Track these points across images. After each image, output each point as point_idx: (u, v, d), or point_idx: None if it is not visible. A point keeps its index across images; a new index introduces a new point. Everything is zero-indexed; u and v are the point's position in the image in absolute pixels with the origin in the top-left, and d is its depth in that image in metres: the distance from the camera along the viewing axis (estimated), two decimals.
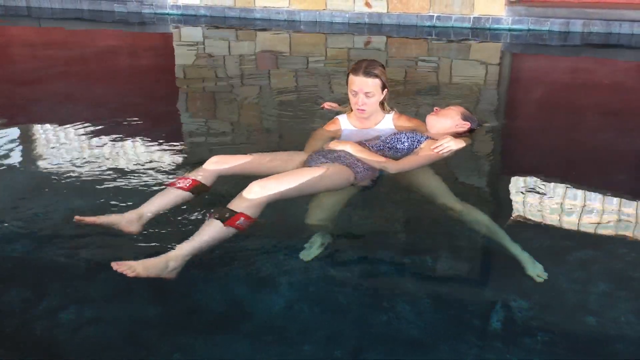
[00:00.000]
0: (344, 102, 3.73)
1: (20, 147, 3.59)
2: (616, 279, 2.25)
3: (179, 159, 3.36)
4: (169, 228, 2.51)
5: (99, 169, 3.16)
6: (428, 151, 2.86)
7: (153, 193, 2.63)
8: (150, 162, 3.28)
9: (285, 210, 2.64)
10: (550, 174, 3.20)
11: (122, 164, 3.25)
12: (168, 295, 2.17)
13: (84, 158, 3.34)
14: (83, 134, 3.75)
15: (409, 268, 2.37)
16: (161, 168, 3.19)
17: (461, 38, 7.80)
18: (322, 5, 8.92)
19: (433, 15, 8.47)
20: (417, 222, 2.77)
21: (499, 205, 2.90)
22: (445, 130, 3.09)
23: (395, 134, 2.97)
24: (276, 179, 2.44)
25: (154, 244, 2.39)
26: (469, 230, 2.56)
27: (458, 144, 2.90)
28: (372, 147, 2.88)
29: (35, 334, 1.95)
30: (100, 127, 3.88)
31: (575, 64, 6.70)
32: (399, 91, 4.80)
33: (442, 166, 2.93)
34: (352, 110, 3.09)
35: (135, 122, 4.08)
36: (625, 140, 3.77)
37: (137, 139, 3.66)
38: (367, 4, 8.75)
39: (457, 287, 2.26)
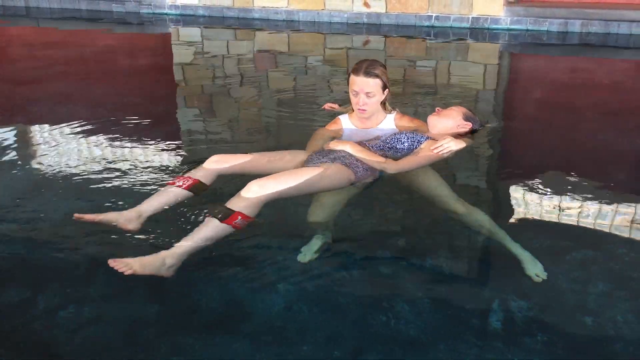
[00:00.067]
0: (345, 103, 3.73)
1: (19, 147, 3.59)
2: (615, 279, 2.26)
3: (178, 158, 3.36)
4: (168, 226, 2.51)
5: (98, 169, 3.16)
6: (428, 152, 2.86)
7: (152, 192, 2.64)
8: (150, 162, 3.28)
9: (284, 210, 2.64)
10: (549, 174, 3.20)
11: (121, 163, 3.25)
12: (167, 295, 2.17)
13: (83, 158, 3.34)
14: (82, 134, 3.75)
15: (408, 268, 2.37)
16: (160, 168, 3.19)
17: (460, 38, 7.80)
18: (321, 5, 8.93)
19: (432, 15, 8.48)
20: (416, 222, 2.77)
21: (499, 205, 2.91)
22: (446, 130, 3.08)
23: (395, 134, 2.97)
24: (275, 179, 2.44)
25: (152, 242, 2.39)
26: (468, 230, 2.56)
27: (458, 145, 2.89)
28: (372, 147, 2.88)
29: (35, 333, 1.95)
30: (99, 127, 3.88)
31: (573, 64, 6.70)
32: (397, 91, 4.80)
33: (442, 166, 2.93)
34: (353, 111, 3.09)
35: (134, 122, 4.08)
36: (625, 140, 3.77)
37: (136, 138, 3.66)
38: (366, 4, 8.75)
39: (456, 287, 2.26)
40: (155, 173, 3.09)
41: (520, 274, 2.25)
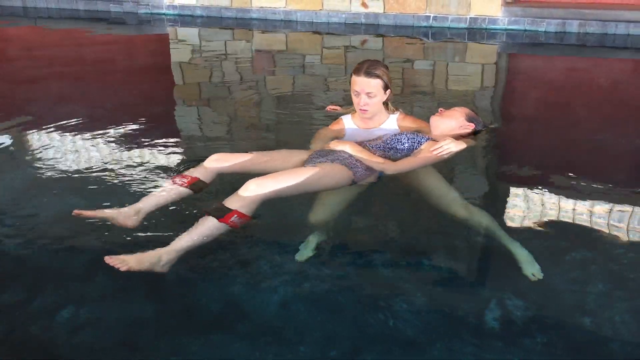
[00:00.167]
0: (347, 103, 3.74)
1: (17, 147, 3.59)
2: (613, 279, 2.26)
3: (177, 158, 3.36)
4: (166, 223, 2.52)
5: (98, 169, 3.16)
6: (427, 153, 2.85)
7: (151, 191, 2.65)
8: (149, 161, 3.28)
9: (282, 210, 2.64)
10: (548, 174, 3.20)
11: (120, 163, 3.24)
12: (166, 296, 2.17)
13: (82, 158, 3.34)
14: (80, 134, 3.74)
15: (406, 268, 2.37)
16: (160, 167, 3.19)
17: (457, 38, 7.81)
18: (319, 5, 8.93)
19: (429, 16, 8.49)
20: (415, 222, 2.77)
21: (498, 206, 2.90)
22: (449, 131, 3.06)
23: (395, 134, 2.97)
24: (273, 178, 2.44)
25: (150, 239, 2.40)
26: (467, 230, 2.56)
27: (458, 146, 2.88)
28: (373, 147, 2.88)
29: (33, 334, 1.95)
30: (97, 126, 3.88)
31: (571, 64, 6.72)
32: (394, 91, 4.79)
33: (442, 167, 2.93)
34: (356, 111, 3.10)
35: (133, 122, 4.07)
36: (624, 140, 3.78)
37: (135, 138, 3.66)
38: (364, 5, 8.76)
39: (454, 286, 2.26)
40: (155, 172, 3.09)
41: (519, 274, 2.26)
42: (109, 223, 2.43)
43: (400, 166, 2.81)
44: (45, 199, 2.83)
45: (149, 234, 2.44)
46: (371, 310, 2.06)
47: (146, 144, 3.56)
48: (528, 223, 2.67)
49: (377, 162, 2.77)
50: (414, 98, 4.71)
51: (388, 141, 2.92)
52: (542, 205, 2.84)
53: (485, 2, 8.26)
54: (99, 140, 3.63)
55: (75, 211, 2.42)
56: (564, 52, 7.39)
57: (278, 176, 2.47)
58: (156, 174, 3.08)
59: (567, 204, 2.83)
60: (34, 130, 3.82)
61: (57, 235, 2.52)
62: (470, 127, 3.13)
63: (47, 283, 2.20)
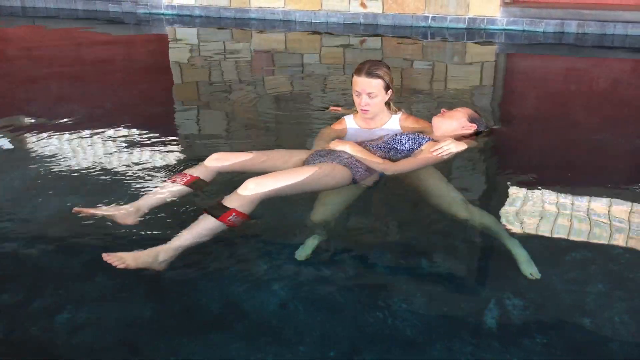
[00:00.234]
0: (349, 104, 3.74)
1: (17, 147, 3.58)
2: (612, 280, 2.26)
3: (177, 157, 3.36)
4: (165, 221, 2.52)
5: (97, 168, 3.16)
6: (427, 154, 2.85)
7: (152, 190, 2.65)
8: (148, 161, 3.28)
9: (282, 210, 2.65)
10: (548, 174, 3.20)
11: (119, 162, 3.24)
12: (165, 296, 2.16)
13: (81, 157, 3.34)
14: (79, 134, 3.74)
15: (404, 267, 2.37)
16: (159, 167, 3.19)
17: (456, 39, 7.81)
18: (318, 5, 8.93)
19: (428, 16, 8.49)
20: (413, 222, 2.77)
21: (498, 205, 2.90)
22: (451, 132, 3.05)
23: (396, 135, 2.96)
24: (271, 177, 2.45)
25: (149, 236, 2.40)
26: (466, 230, 2.56)
27: (458, 147, 2.88)
28: (374, 147, 2.88)
29: (32, 334, 1.95)
30: (96, 126, 3.88)
31: (569, 65, 6.72)
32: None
33: (443, 167, 2.93)
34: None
35: (132, 122, 4.07)
36: (623, 141, 3.78)
37: (134, 138, 3.66)
38: (363, 5, 8.76)
39: (453, 286, 2.26)
40: (154, 172, 3.09)
41: (519, 274, 2.26)
42: (108, 221, 2.44)
43: (400, 167, 2.81)
44: (45, 199, 2.83)
45: (148, 232, 2.44)
46: (370, 310, 2.06)
47: (145, 143, 3.56)
48: (527, 223, 2.68)
49: (376, 162, 2.77)
50: (412, 98, 4.71)
51: (389, 141, 2.92)
52: (542, 205, 2.84)
53: (483, 2, 8.27)
54: (98, 140, 3.63)
55: (75, 209, 2.45)
56: (562, 53, 7.40)
57: (277, 175, 2.47)
58: (156, 173, 3.08)
59: (567, 204, 2.83)
60: (33, 130, 3.82)
61: (57, 235, 2.52)
62: (472, 128, 3.12)
63: (46, 283, 2.20)
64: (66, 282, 2.22)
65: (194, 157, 3.13)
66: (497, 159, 3.48)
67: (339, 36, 8.17)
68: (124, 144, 3.55)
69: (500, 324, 2.00)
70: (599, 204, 2.83)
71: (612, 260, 2.39)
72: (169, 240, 2.24)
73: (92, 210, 2.47)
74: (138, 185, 2.92)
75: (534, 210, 2.79)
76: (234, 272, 2.28)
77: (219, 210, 2.31)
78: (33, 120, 4.07)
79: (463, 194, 2.72)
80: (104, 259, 2.11)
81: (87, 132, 3.76)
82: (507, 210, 2.79)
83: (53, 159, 3.31)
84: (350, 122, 3.19)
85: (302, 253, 2.36)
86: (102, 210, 2.47)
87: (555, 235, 2.59)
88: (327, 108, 4.05)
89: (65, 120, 4.02)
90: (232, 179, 2.68)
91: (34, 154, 3.42)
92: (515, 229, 2.59)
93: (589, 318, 2.04)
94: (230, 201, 2.35)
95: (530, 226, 2.65)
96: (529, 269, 2.27)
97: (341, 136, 3.10)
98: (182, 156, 3.39)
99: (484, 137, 3.23)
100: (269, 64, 6.44)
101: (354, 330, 1.98)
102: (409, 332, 1.96)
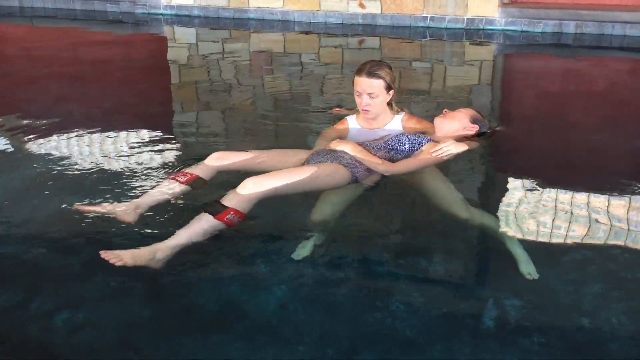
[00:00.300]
0: (349, 104, 3.74)
1: (16, 147, 3.58)
2: (611, 280, 2.27)
3: (176, 157, 3.36)
4: (164, 219, 2.53)
5: (96, 168, 3.15)
6: (427, 154, 2.85)
7: (151, 188, 2.65)
8: (148, 160, 3.28)
9: (280, 209, 2.65)
10: (547, 175, 3.20)
11: (118, 162, 3.24)
12: (164, 296, 2.17)
13: (80, 157, 3.33)
14: (78, 134, 3.73)
15: (403, 267, 2.37)
16: (159, 166, 3.18)
17: (455, 39, 7.81)
18: (316, 6, 8.92)
19: (427, 16, 8.48)
20: (412, 222, 2.78)
21: (497, 205, 2.91)
22: (452, 132, 3.04)
23: (397, 135, 2.96)
24: (270, 176, 2.46)
25: (147, 234, 2.40)
26: (465, 230, 2.57)
27: (459, 148, 2.87)
28: (374, 147, 2.88)
29: (31, 334, 1.94)
30: (95, 126, 3.87)
31: (568, 65, 6.72)
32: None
33: (443, 167, 2.93)
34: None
35: (131, 121, 4.07)
36: (623, 141, 3.78)
37: (134, 137, 3.66)
38: (361, 5, 8.75)
39: (452, 286, 2.27)
40: (154, 171, 3.09)
41: (518, 274, 2.26)
42: (107, 221, 2.44)
43: (399, 167, 2.81)
44: (45, 199, 2.83)
45: (147, 229, 2.45)
46: (370, 310, 2.06)
47: (145, 143, 3.56)
48: (527, 223, 2.68)
49: (375, 163, 2.77)
50: (411, 98, 4.72)
51: (389, 142, 2.92)
52: (541, 205, 2.84)
53: (482, 3, 8.26)
54: (97, 139, 3.63)
55: (76, 205, 2.49)
56: (561, 53, 7.40)
57: (275, 175, 2.48)
58: (155, 172, 3.07)
59: (566, 204, 2.84)
60: (33, 130, 3.81)
61: (56, 234, 2.52)
62: (474, 129, 3.11)
63: (46, 283, 2.20)
64: (66, 282, 2.22)
65: (193, 156, 3.13)
66: (496, 159, 3.48)
67: (338, 36, 8.17)
68: (124, 144, 3.55)
69: (499, 324, 2.01)
70: (599, 204, 2.84)
71: (611, 261, 2.40)
72: (168, 238, 2.25)
73: (92, 208, 2.50)
74: (138, 184, 2.92)
75: (533, 211, 2.80)
76: (234, 272, 2.28)
77: (217, 209, 2.32)
78: (32, 121, 4.06)
79: (463, 194, 2.72)
80: (102, 256, 2.12)
81: (86, 132, 3.75)
82: (507, 211, 2.79)
83: (52, 159, 3.30)
84: (352, 123, 3.20)
85: (301, 253, 2.36)
86: (103, 208, 2.50)
87: (555, 236, 2.59)
88: (330, 109, 4.06)
89: (64, 120, 4.01)
90: (231, 178, 2.68)
91: (33, 154, 3.41)
92: (515, 229, 2.59)
93: (588, 318, 2.04)
94: (228, 200, 2.36)
95: (530, 226, 2.65)
96: (528, 269, 2.27)
97: (343, 136, 3.10)
98: (181, 155, 3.39)
99: (486, 138, 3.23)
100: (267, 64, 6.44)
101: (354, 330, 1.98)
102: (408, 332, 1.96)
